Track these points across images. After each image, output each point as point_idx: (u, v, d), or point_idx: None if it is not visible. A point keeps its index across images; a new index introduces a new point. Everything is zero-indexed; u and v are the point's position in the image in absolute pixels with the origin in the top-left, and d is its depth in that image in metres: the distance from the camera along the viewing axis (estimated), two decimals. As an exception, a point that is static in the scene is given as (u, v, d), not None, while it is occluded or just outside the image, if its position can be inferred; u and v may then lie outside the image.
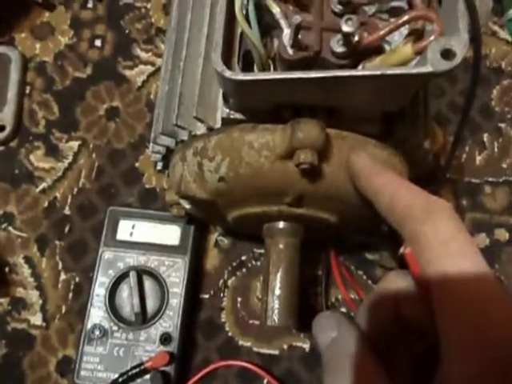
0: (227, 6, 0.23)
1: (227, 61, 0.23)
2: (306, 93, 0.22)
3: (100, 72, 0.49)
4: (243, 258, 0.44)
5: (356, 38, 0.22)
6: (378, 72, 0.20)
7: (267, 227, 0.33)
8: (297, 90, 0.22)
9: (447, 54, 0.20)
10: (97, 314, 0.39)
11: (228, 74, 0.21)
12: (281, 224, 0.32)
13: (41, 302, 0.42)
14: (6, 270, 0.43)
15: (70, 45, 0.50)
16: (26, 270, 0.43)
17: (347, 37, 0.22)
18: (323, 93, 0.22)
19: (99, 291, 0.39)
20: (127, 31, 0.51)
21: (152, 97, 0.48)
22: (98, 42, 0.50)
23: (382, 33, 0.22)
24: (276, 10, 0.22)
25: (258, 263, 0.44)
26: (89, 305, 0.39)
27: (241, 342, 0.41)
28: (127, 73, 0.49)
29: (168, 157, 0.34)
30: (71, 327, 0.41)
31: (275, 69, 0.25)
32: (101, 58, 0.50)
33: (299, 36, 0.22)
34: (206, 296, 0.43)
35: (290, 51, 0.22)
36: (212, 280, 0.43)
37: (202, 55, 0.27)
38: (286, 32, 0.22)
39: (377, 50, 0.25)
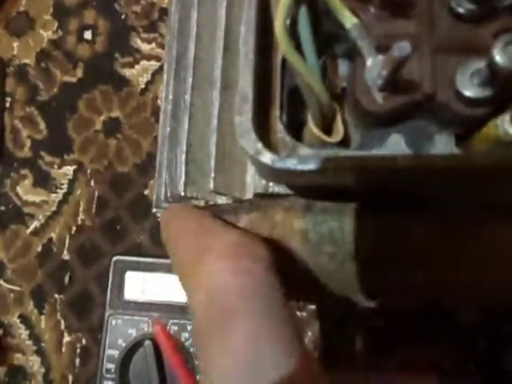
0: (257, 19, 0.12)
1: (261, 119, 0.13)
2: (420, 182, 0.12)
3: (93, 74, 0.39)
4: (285, 307, 0.35)
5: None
6: None
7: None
8: (400, 178, 0.12)
9: None
10: (108, 396, 0.31)
11: (268, 159, 0.11)
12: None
13: (43, 370, 0.35)
14: (0, 332, 0.35)
15: (55, 40, 0.40)
16: (23, 332, 0.35)
17: (495, 69, 0.11)
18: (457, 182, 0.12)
19: (109, 367, 0.31)
20: (123, 16, 0.40)
21: (159, 102, 0.38)
22: (87, 35, 0.40)
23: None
24: (352, 23, 0.12)
25: (304, 314, 0.35)
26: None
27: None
28: (127, 72, 0.39)
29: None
30: (81, 401, 0.34)
31: (343, 114, 0.15)
32: (93, 55, 0.40)
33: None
34: (242, 358, 0.34)
35: (379, 97, 0.12)
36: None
37: (218, 85, 0.17)
38: (372, 64, 0.12)
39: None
